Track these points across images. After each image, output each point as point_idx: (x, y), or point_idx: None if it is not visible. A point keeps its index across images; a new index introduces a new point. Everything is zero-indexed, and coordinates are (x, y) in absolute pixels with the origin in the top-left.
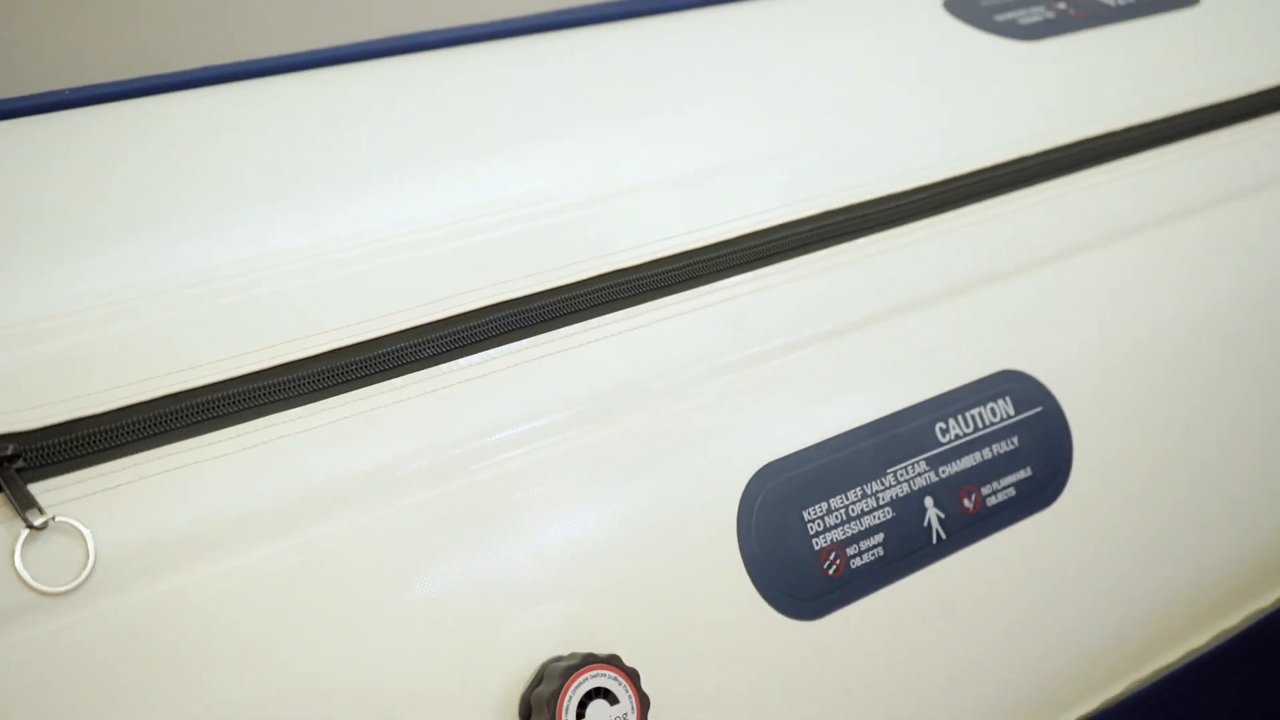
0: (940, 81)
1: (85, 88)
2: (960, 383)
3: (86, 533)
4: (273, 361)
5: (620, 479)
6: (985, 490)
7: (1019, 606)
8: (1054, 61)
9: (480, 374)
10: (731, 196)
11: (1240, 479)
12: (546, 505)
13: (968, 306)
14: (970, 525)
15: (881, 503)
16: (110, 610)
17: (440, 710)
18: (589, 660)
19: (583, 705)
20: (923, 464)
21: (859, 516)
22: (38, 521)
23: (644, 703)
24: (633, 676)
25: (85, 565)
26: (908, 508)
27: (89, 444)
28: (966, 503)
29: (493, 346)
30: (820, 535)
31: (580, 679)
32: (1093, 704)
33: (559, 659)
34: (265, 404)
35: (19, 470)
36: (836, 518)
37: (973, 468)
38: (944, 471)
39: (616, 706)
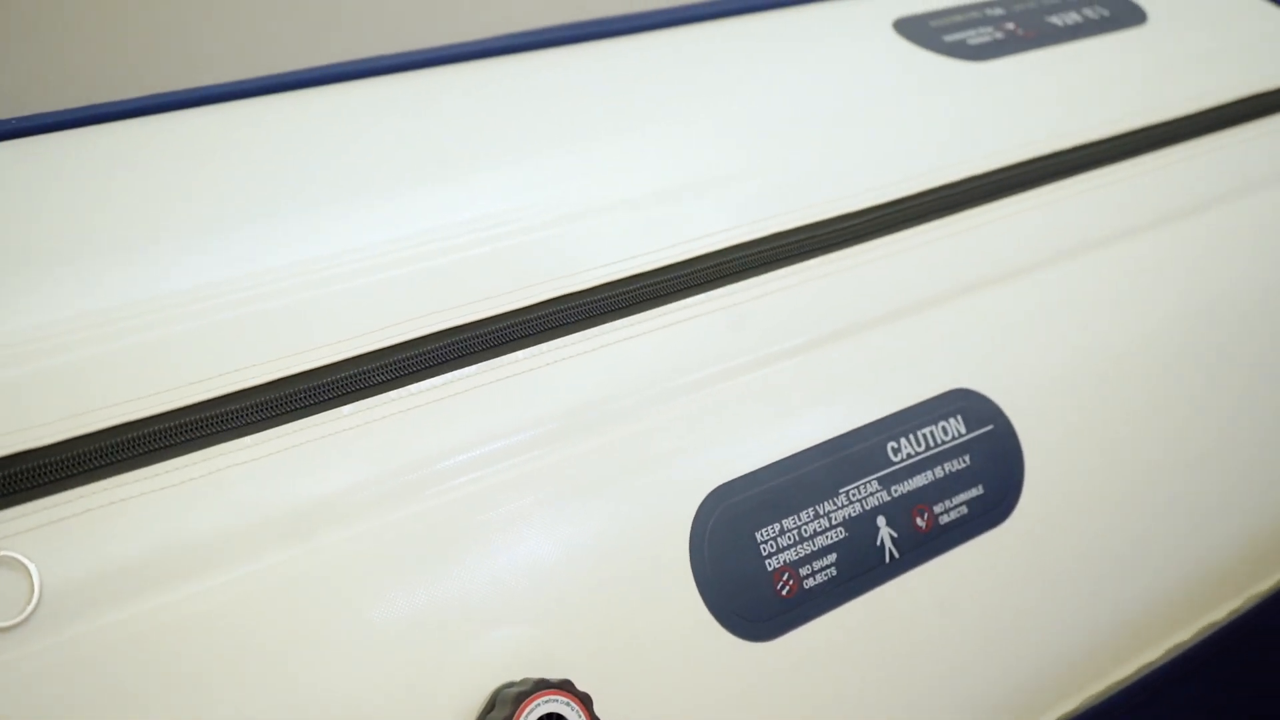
0: (890, 102)
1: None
2: (912, 402)
3: (31, 566)
4: (220, 391)
5: (573, 503)
6: (938, 509)
7: (972, 625)
8: (1003, 81)
9: (431, 400)
10: (684, 219)
11: (1191, 493)
12: (499, 530)
13: (919, 325)
14: (923, 544)
15: (834, 523)
16: (57, 645)
17: None
18: (541, 685)
19: None
20: (875, 483)
21: (812, 537)
22: None
23: None
24: (585, 701)
25: (30, 599)
26: (860, 527)
27: (33, 477)
28: (919, 521)
29: (444, 372)
30: (773, 556)
31: (532, 704)
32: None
33: (511, 684)
34: (213, 434)
35: None
36: (789, 538)
37: (925, 486)
38: (896, 491)
39: None
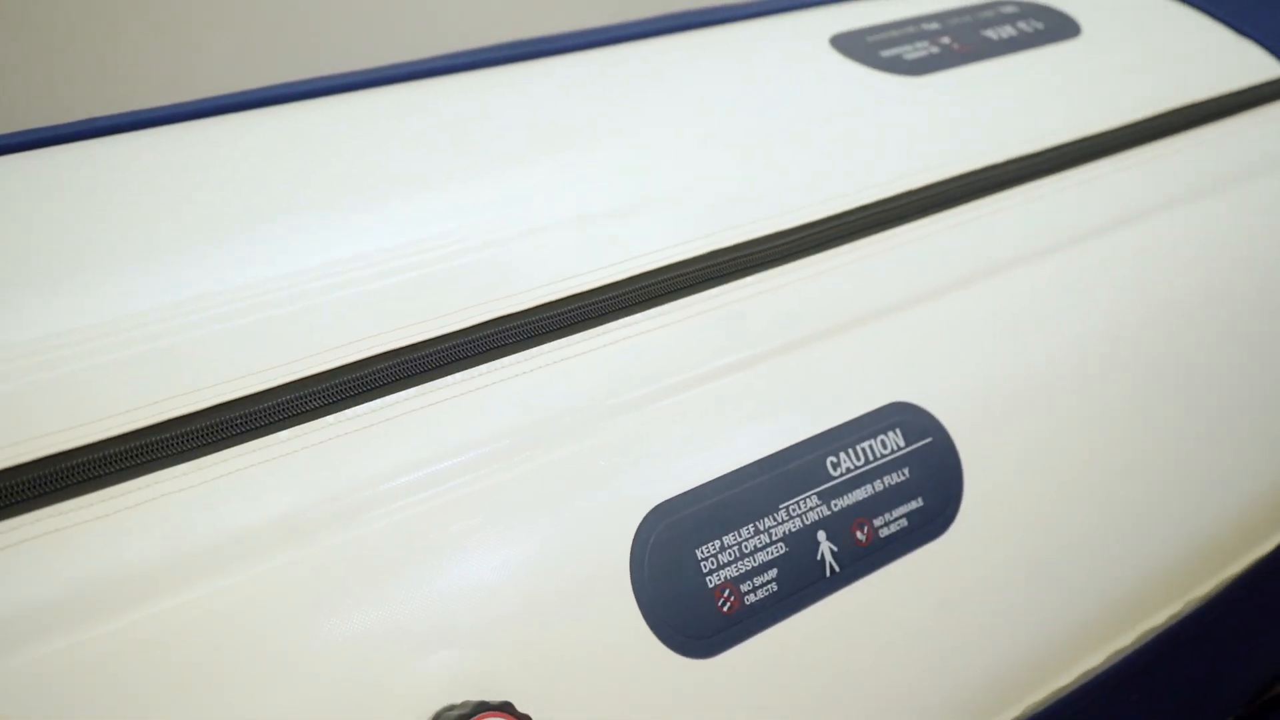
0: (827, 118)
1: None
2: (851, 416)
3: None
4: (155, 419)
5: (514, 524)
6: (877, 522)
7: (912, 636)
8: (940, 96)
9: (368, 424)
10: (620, 239)
11: (1129, 501)
12: (439, 552)
13: (857, 340)
14: (863, 557)
15: (774, 538)
16: None
17: None
18: (481, 708)
19: None
20: (815, 498)
21: (752, 553)
22: None
23: None
24: None
25: None
26: (800, 542)
27: None
28: (859, 535)
29: (381, 396)
30: (714, 573)
31: None
32: None
33: (452, 707)
34: (147, 462)
35: None
36: (729, 555)
37: (864, 500)
38: (836, 505)
39: None
